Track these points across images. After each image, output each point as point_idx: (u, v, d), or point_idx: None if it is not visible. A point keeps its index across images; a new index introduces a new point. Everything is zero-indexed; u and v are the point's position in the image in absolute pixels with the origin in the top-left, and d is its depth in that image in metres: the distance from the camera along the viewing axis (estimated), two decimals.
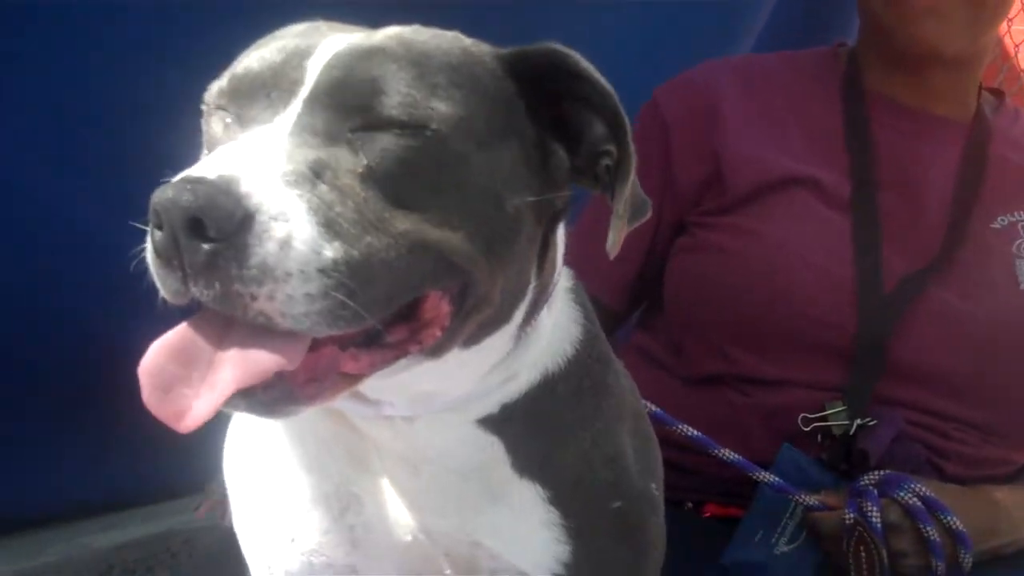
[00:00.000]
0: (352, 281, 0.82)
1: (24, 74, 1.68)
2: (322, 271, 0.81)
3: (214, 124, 0.97)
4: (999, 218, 1.78)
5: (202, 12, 1.75)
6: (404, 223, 0.88)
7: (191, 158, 0.91)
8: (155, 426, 1.93)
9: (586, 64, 1.01)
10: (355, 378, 0.92)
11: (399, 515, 1.14)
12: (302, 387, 0.88)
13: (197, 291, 0.81)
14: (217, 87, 0.97)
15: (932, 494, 1.53)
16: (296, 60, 0.93)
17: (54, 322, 1.89)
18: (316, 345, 0.87)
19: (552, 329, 1.13)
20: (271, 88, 0.92)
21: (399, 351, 0.94)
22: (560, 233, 1.12)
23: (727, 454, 1.57)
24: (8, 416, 1.93)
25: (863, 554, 1.51)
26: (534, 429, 1.12)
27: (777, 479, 1.58)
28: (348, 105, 0.90)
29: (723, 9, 2.50)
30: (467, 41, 1.01)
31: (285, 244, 0.80)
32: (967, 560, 1.55)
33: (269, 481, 1.19)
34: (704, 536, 1.66)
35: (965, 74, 1.85)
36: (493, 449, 1.11)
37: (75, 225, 1.83)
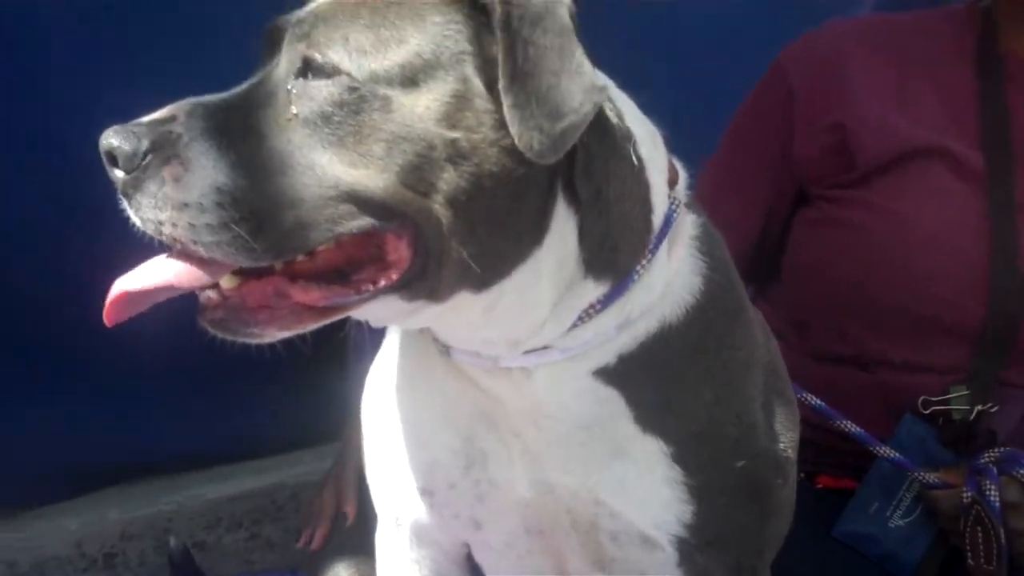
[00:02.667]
0: (255, 216, 0.95)
1: None
2: (219, 204, 0.95)
3: None
4: None
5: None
6: (324, 167, 0.98)
7: None
8: (264, 383, 2.06)
9: None
10: (318, 311, 1.01)
11: (523, 471, 1.19)
12: (253, 312, 1.00)
13: (130, 215, 0.98)
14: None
15: None
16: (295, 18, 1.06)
17: None
18: (262, 275, 1.00)
19: (672, 277, 1.16)
20: (271, 45, 1.07)
21: (353, 288, 1.02)
22: (655, 170, 1.14)
23: (850, 426, 1.60)
24: (128, 371, 2.04)
25: (980, 535, 1.53)
26: (655, 381, 1.15)
27: (898, 455, 1.60)
28: (293, 56, 1.02)
29: None
30: None
31: (179, 177, 0.95)
32: None
33: (401, 435, 1.26)
34: (816, 507, 1.69)
35: None
36: (613, 403, 1.15)
37: None
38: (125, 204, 0.98)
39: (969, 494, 1.53)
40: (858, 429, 1.61)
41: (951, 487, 1.59)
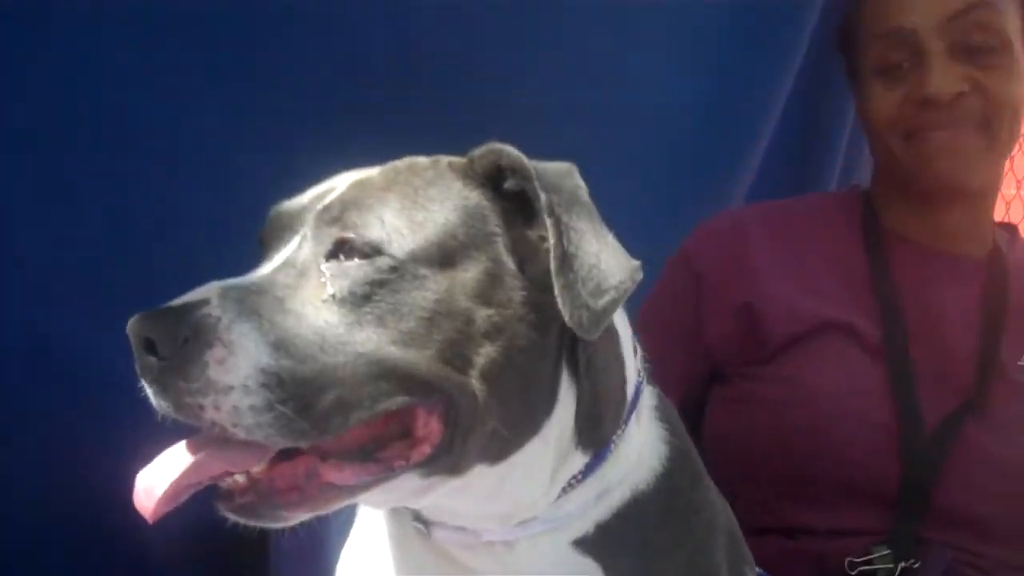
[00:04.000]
0: (301, 396, 0.98)
1: None
2: (265, 386, 0.97)
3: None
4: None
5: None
6: (364, 345, 1.02)
7: None
8: None
9: (516, 154, 1.12)
10: (345, 489, 1.05)
11: None
12: (283, 494, 1.02)
13: (159, 404, 0.99)
14: (265, 227, 1.17)
15: None
16: (316, 202, 1.12)
17: None
18: (294, 455, 1.02)
19: (640, 446, 1.23)
20: (285, 230, 1.13)
21: (385, 465, 1.06)
22: (627, 343, 1.23)
23: None
24: None
25: None
26: (629, 550, 1.20)
27: None
28: (323, 238, 1.08)
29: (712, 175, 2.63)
30: (430, 163, 1.16)
31: (223, 361, 0.97)
32: None
33: None
34: None
35: (981, 209, 2.02)
36: (592, 573, 1.19)
37: None
38: (151, 390, 0.99)
39: None
40: None
41: None
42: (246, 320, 1.00)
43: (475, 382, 1.06)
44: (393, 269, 1.05)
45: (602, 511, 1.20)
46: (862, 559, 1.75)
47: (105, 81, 1.92)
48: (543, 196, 1.09)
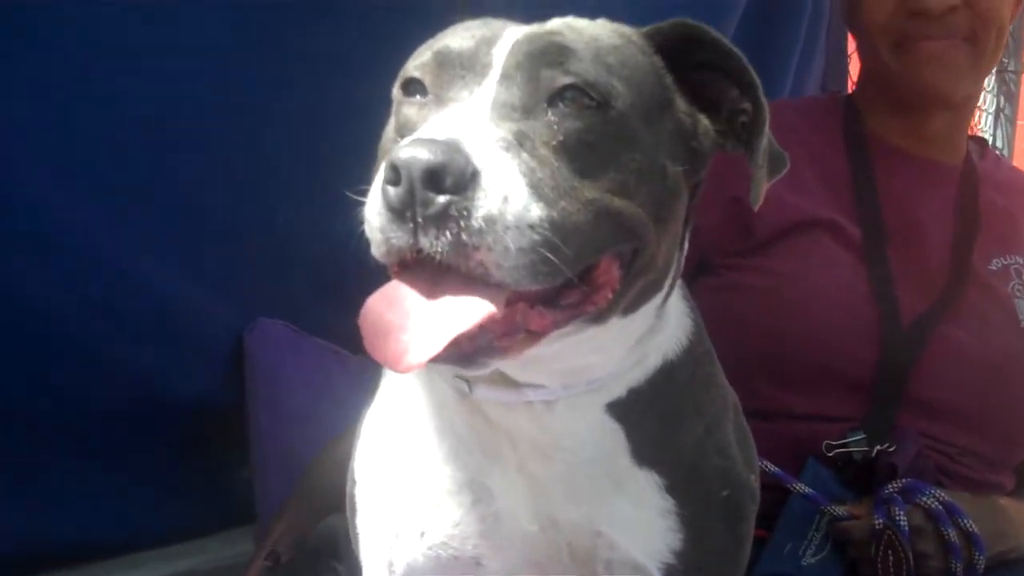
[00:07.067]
0: (550, 240, 0.99)
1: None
2: (532, 227, 0.99)
3: (406, 110, 1.16)
4: (994, 260, 2.10)
5: None
6: (590, 191, 1.06)
7: None
8: (164, 470, 2.13)
9: (716, 33, 1.20)
10: (538, 336, 1.08)
11: (529, 505, 1.27)
12: (500, 339, 1.04)
13: (427, 241, 0.97)
14: (418, 62, 1.16)
15: (950, 499, 1.79)
16: (485, 46, 1.12)
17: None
18: (509, 302, 1.03)
19: (673, 318, 1.31)
20: (466, 70, 1.11)
21: (576, 311, 1.10)
22: None
23: (768, 465, 1.80)
24: (30, 452, 2.05)
25: (891, 557, 1.76)
26: (654, 416, 1.28)
27: (810, 489, 1.81)
28: (541, 80, 1.08)
29: None
30: (616, 25, 1.21)
31: (506, 200, 0.98)
32: (981, 562, 1.82)
33: (401, 475, 1.33)
34: None
35: (960, 119, 2.19)
36: (616, 436, 1.27)
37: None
38: (407, 228, 0.97)
39: (880, 520, 1.76)
40: (776, 468, 1.81)
41: (858, 519, 1.82)
42: (513, 160, 1.01)
43: (660, 232, 1.14)
44: (617, 120, 1.09)
45: (637, 376, 1.26)
46: (839, 442, 1.91)
47: None
48: (752, 71, 1.19)
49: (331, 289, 2.20)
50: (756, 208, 1.21)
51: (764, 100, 1.20)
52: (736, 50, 1.20)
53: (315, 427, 2.02)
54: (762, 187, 1.21)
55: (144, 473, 2.20)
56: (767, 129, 1.20)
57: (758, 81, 1.20)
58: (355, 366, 2.20)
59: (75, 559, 2.16)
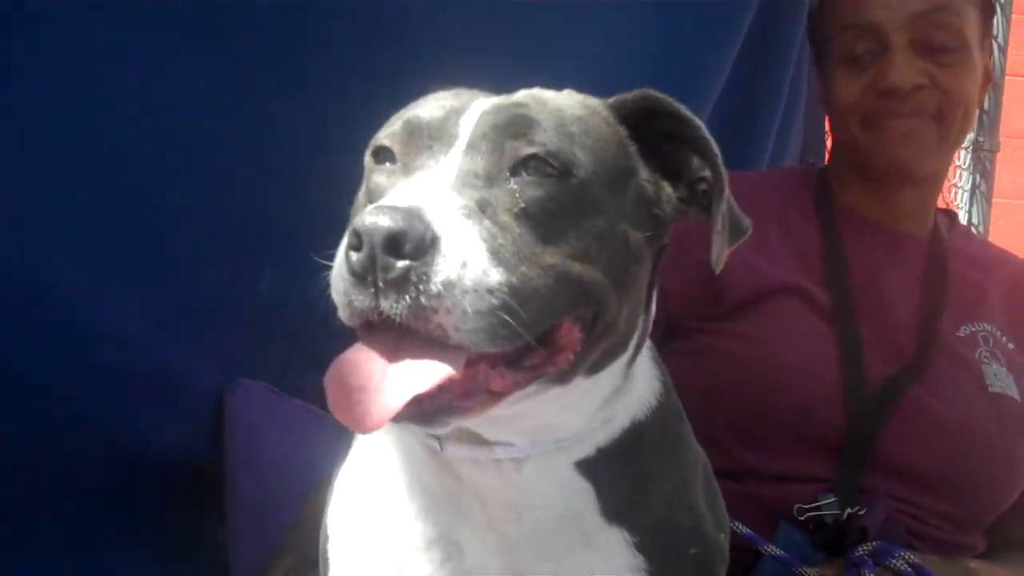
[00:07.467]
0: (508, 305, 1.03)
1: None
2: (490, 291, 1.03)
3: (376, 177, 1.22)
4: (962, 327, 2.15)
5: None
6: (551, 257, 1.11)
7: None
8: (149, 527, 2.11)
9: (677, 104, 1.26)
10: (499, 396, 1.12)
11: (498, 561, 1.30)
12: (460, 399, 1.08)
13: (388, 304, 1.01)
14: (389, 131, 1.21)
15: (920, 562, 1.82)
16: (453, 116, 1.18)
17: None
18: (470, 363, 1.07)
19: (642, 380, 1.35)
20: (433, 140, 1.17)
21: (537, 372, 1.14)
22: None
23: (739, 528, 1.81)
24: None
25: None
26: (623, 474, 1.31)
27: (782, 552, 1.83)
28: (505, 150, 1.14)
29: None
30: (582, 96, 1.27)
31: (464, 265, 1.02)
32: None
33: (373, 531, 1.36)
34: None
35: (928, 194, 2.26)
36: (586, 494, 1.30)
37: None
38: (368, 293, 1.02)
39: None
40: (747, 530, 1.83)
41: None
42: (474, 227, 1.05)
43: (622, 298, 1.19)
44: (578, 188, 1.15)
45: (605, 435, 1.30)
46: (810, 505, 1.94)
47: None
48: (711, 140, 1.24)
49: (311, 351, 2.22)
50: (717, 271, 1.26)
51: (722, 167, 1.26)
52: (696, 120, 1.26)
53: (293, 487, 2.03)
54: (722, 251, 1.25)
55: (118, 532, 2.18)
56: (726, 195, 1.25)
57: (717, 149, 1.26)
58: (334, 426, 2.21)
59: None
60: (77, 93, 1.91)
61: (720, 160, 1.26)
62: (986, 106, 4.80)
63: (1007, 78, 4.95)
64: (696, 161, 1.28)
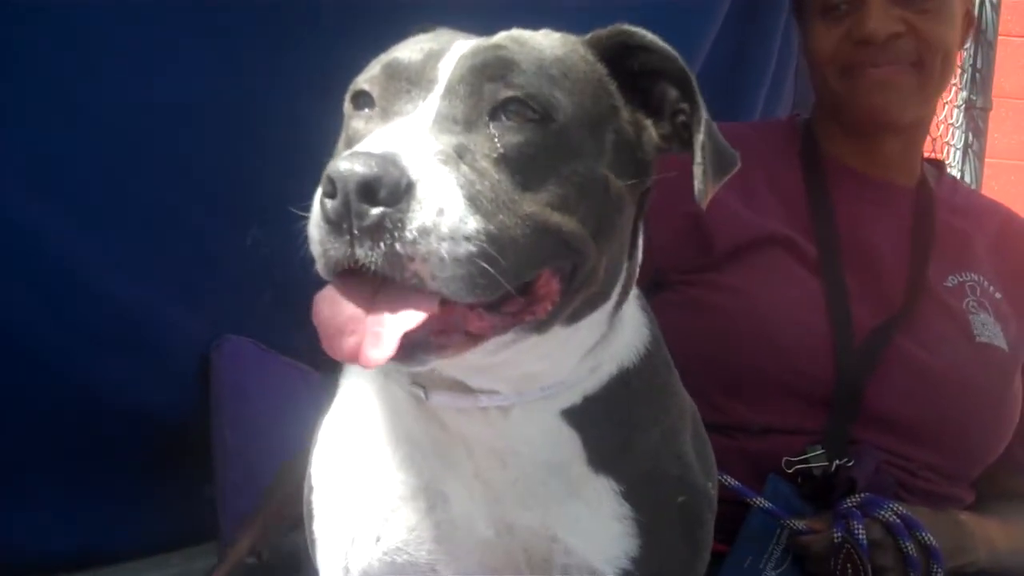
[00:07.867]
0: (487, 253, 1.01)
1: None
2: (468, 238, 1.01)
3: (354, 123, 1.19)
4: (949, 277, 2.14)
5: None
6: (530, 205, 1.08)
7: None
8: (137, 482, 2.12)
9: (652, 36, 1.23)
10: (476, 338, 1.10)
11: (484, 510, 1.29)
12: (436, 336, 1.06)
13: (363, 252, 0.99)
14: (368, 75, 1.19)
15: (909, 512, 1.81)
16: (432, 60, 1.15)
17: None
18: (448, 302, 1.05)
19: (629, 328, 1.34)
20: (412, 84, 1.14)
21: (515, 319, 1.12)
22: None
23: (728, 480, 1.81)
24: None
25: (850, 570, 1.78)
26: (610, 423, 1.30)
27: (770, 504, 1.83)
28: (484, 93, 1.11)
29: None
30: (560, 35, 1.23)
31: (441, 211, 1.00)
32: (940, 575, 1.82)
33: (358, 481, 1.35)
34: None
35: (912, 142, 2.25)
36: (572, 443, 1.29)
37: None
38: (343, 240, 1.00)
39: (839, 534, 1.78)
40: (735, 482, 1.83)
41: (818, 533, 1.84)
42: (451, 173, 1.03)
43: (601, 246, 1.16)
44: (558, 133, 1.12)
45: (592, 383, 1.29)
46: (798, 458, 1.93)
47: None
48: (688, 70, 1.21)
49: (297, 307, 2.21)
50: (704, 206, 1.23)
51: (700, 97, 1.23)
52: (672, 51, 1.24)
53: (279, 444, 2.02)
54: (707, 185, 1.22)
55: (106, 487, 2.19)
56: (704, 126, 1.22)
57: (693, 79, 1.24)
58: (319, 383, 2.21)
59: (33, 573, 2.14)
60: (68, 47, 1.90)
61: (697, 90, 1.23)
62: (979, 64, 4.80)
63: (1000, 38, 4.95)
64: (673, 93, 1.25)
